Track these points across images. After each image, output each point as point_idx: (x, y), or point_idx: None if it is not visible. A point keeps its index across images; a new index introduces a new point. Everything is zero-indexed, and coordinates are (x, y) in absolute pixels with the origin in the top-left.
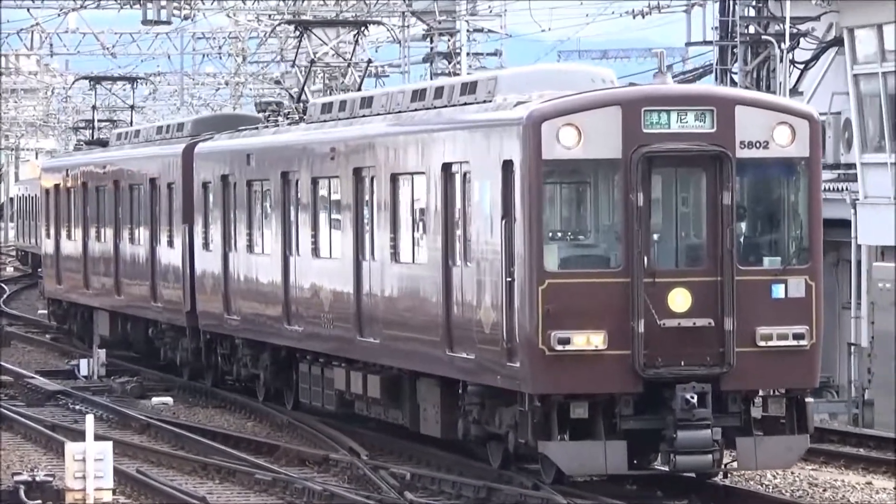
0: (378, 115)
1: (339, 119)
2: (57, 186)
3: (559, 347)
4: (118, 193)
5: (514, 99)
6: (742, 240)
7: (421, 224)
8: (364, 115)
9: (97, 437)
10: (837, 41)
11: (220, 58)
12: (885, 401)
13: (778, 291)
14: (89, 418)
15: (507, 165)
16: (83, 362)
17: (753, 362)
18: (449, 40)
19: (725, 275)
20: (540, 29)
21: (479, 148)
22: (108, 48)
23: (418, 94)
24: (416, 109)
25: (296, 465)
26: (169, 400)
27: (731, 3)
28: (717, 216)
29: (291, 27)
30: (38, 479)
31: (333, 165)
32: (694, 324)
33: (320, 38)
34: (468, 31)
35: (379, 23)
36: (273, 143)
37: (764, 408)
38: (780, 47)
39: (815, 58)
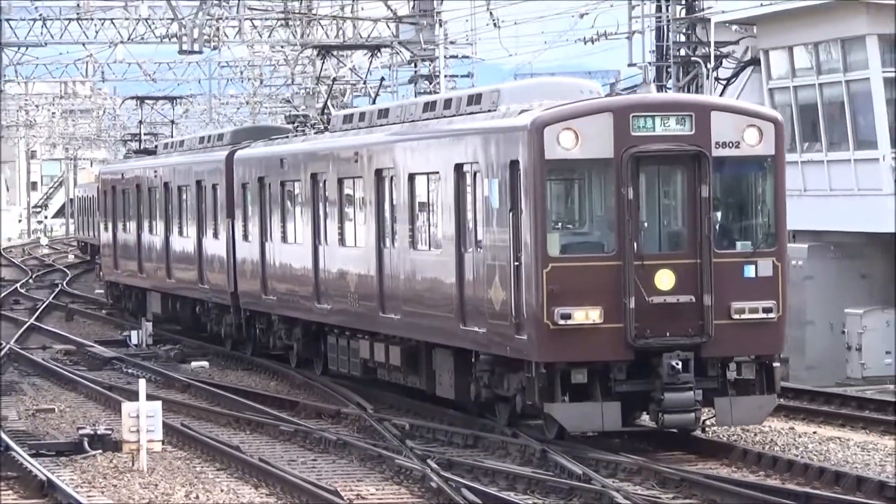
0: (394, 124)
1: (360, 128)
2: (114, 188)
3: (561, 322)
4: (168, 194)
5: (518, 108)
6: (717, 227)
7: (436, 216)
8: (382, 125)
9: (148, 397)
10: (754, 61)
11: (241, 82)
12: (798, 359)
13: (749, 271)
14: (142, 382)
15: (514, 165)
16: (133, 333)
17: (729, 333)
18: (430, 65)
19: (704, 257)
20: (508, 54)
21: (489, 150)
22: (149, 74)
23: (429, 106)
24: (427, 119)
25: (313, 418)
26: (205, 364)
27: (666, 30)
28: (696, 207)
29: (306, 54)
30: (99, 432)
31: (357, 167)
32: (677, 300)
33: (340, 60)
34: (445, 57)
35: (390, 46)
36: (303, 149)
37: (737, 372)
38: (706, 67)
39: (735, 75)
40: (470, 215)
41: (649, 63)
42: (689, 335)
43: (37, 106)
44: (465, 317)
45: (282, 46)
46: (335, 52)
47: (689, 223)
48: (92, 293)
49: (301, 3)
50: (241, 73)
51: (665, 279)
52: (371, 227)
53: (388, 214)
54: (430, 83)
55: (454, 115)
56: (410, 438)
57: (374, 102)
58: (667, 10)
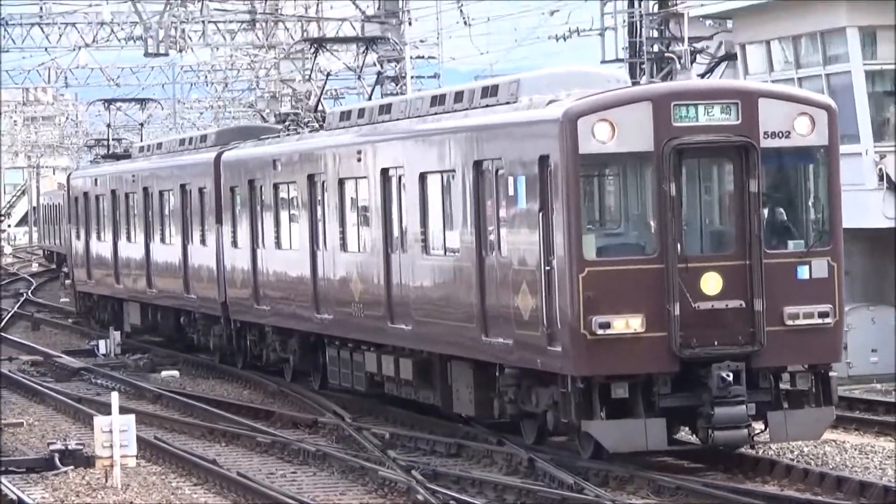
0: (398, 119)
1: (360, 125)
2: (86, 194)
3: (600, 331)
4: (147, 199)
5: (543, 99)
6: (767, 224)
7: (452, 217)
8: (384, 121)
9: (119, 410)
10: (729, 56)
11: (206, 86)
12: None
13: (803, 273)
14: (114, 395)
15: (543, 161)
16: (101, 343)
17: (782, 340)
18: (395, 66)
19: (754, 258)
20: (479, 52)
21: (514, 145)
22: (112, 79)
23: (438, 100)
24: (436, 113)
25: (289, 428)
26: (175, 373)
27: (639, 26)
28: (744, 203)
29: (266, 59)
30: (70, 447)
31: (361, 167)
32: (726, 305)
33: (335, 55)
34: (412, 57)
35: (385, 39)
36: (299, 149)
37: (791, 382)
38: (679, 62)
39: (710, 70)
40: (491, 216)
41: (625, 59)
42: (739, 344)
43: None
44: (488, 327)
45: (247, 53)
46: (329, 46)
47: (737, 221)
48: (57, 302)
49: (265, 4)
50: (206, 77)
51: (712, 283)
52: (377, 231)
53: (396, 216)
54: (397, 84)
55: (467, 109)
56: (391, 448)
57: (370, 98)
58: (639, 5)
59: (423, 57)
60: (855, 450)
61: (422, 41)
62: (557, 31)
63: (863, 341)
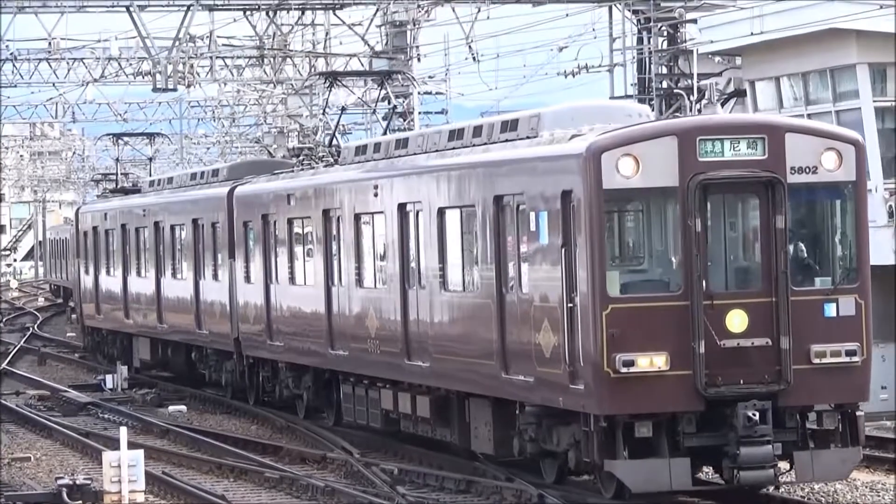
0: (415, 154)
1: (376, 160)
2: (95, 228)
3: (623, 370)
4: (158, 233)
5: (565, 133)
6: (794, 261)
7: (471, 253)
8: (400, 156)
9: (127, 444)
10: (738, 92)
11: (213, 121)
12: None
13: (830, 310)
14: (123, 430)
15: (566, 196)
16: (108, 377)
17: (809, 379)
18: (403, 102)
19: (780, 295)
20: (487, 88)
21: (536, 180)
22: (120, 114)
23: (455, 134)
24: (455, 148)
25: (297, 464)
26: (183, 408)
27: (647, 63)
28: (770, 239)
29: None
30: (78, 482)
31: (377, 202)
32: (752, 343)
33: (349, 89)
34: (420, 93)
35: (401, 73)
36: (313, 184)
37: (818, 422)
38: (689, 99)
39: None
40: (512, 252)
41: (634, 96)
42: (765, 382)
43: (6, 148)
44: (508, 364)
45: (255, 88)
46: (342, 80)
47: (763, 258)
48: (64, 336)
49: (274, 40)
50: (213, 112)
51: (737, 320)
52: (394, 266)
53: (413, 252)
54: (405, 120)
55: (487, 143)
56: (400, 484)
57: (385, 132)
58: (648, 42)
59: (430, 93)
60: (866, 487)
61: (430, 77)
62: (566, 67)
63: (874, 379)
